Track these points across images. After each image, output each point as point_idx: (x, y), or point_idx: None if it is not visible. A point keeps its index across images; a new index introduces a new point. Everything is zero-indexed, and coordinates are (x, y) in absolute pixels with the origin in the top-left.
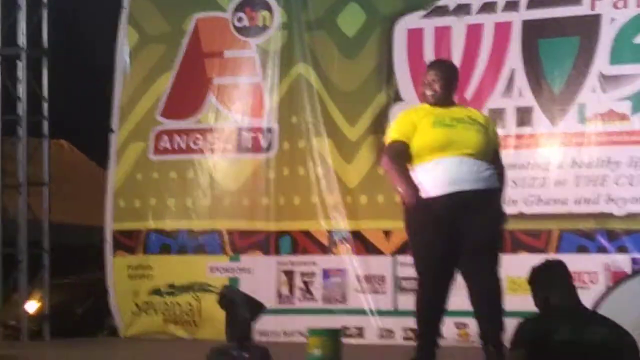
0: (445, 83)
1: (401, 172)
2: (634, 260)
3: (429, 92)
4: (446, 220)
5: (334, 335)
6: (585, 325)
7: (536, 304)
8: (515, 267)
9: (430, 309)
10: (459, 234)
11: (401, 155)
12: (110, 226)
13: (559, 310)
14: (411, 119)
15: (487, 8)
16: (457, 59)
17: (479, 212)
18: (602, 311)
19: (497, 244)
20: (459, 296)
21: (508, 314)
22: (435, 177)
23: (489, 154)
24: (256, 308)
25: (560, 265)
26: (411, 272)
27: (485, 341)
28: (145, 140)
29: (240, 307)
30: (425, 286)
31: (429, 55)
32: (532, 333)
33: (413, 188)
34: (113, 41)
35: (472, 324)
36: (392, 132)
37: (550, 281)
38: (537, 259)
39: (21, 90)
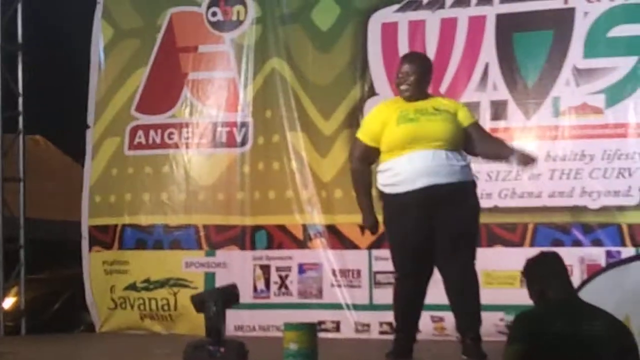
0: (419, 77)
1: (363, 196)
2: (608, 254)
3: (403, 87)
4: (421, 214)
5: (309, 330)
6: (582, 317)
7: (531, 297)
8: (490, 260)
9: (408, 303)
10: (434, 228)
11: (366, 160)
12: (86, 221)
13: (556, 302)
14: (381, 119)
15: (461, 2)
16: (431, 53)
17: (454, 205)
18: None
19: (473, 237)
20: (435, 289)
21: (484, 308)
22: (407, 171)
23: (460, 141)
24: (228, 295)
25: (555, 258)
26: (387, 266)
27: (462, 334)
28: (121, 135)
29: (208, 303)
30: (402, 280)
31: (403, 49)
32: (529, 327)
33: (371, 218)
34: (88, 36)
35: (449, 318)
36: (362, 132)
37: (546, 273)
38: (512, 253)
39: None
